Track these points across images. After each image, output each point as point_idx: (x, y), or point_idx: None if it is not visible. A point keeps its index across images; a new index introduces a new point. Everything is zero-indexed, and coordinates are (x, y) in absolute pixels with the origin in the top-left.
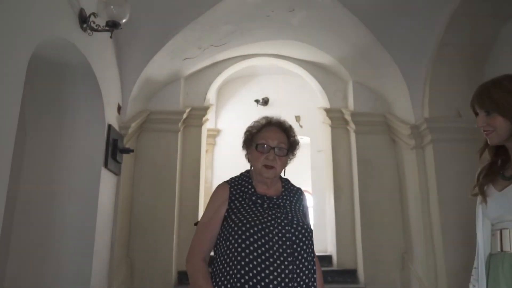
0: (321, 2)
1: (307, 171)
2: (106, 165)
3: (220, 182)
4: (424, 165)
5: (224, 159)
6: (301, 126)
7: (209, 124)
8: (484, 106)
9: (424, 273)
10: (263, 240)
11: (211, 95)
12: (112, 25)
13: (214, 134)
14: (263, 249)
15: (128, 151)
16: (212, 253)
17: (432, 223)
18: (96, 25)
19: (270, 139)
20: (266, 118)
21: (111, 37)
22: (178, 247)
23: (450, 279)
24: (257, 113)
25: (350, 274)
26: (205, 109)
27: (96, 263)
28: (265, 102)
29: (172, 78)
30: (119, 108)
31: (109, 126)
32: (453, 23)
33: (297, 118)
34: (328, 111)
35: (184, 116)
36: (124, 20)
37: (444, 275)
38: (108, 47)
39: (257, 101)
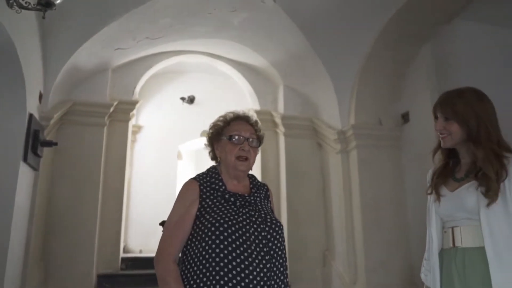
0: (264, 6)
1: None
2: (25, 159)
3: (140, 180)
4: (348, 168)
5: (145, 156)
6: None
7: None
8: (445, 113)
9: (345, 269)
10: (240, 240)
11: (138, 89)
12: (46, 5)
13: (135, 130)
14: (241, 249)
15: (50, 144)
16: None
17: (353, 222)
18: (26, 2)
19: (243, 130)
20: (232, 112)
21: (43, 17)
22: (99, 249)
23: (369, 275)
24: (182, 111)
25: None
26: (133, 104)
27: (9, 267)
28: (191, 100)
29: (100, 68)
30: (40, 97)
31: (31, 116)
32: (380, 39)
33: None
34: (258, 113)
35: (111, 109)
36: (58, 1)
37: (363, 271)
38: (35, 29)
39: (182, 98)
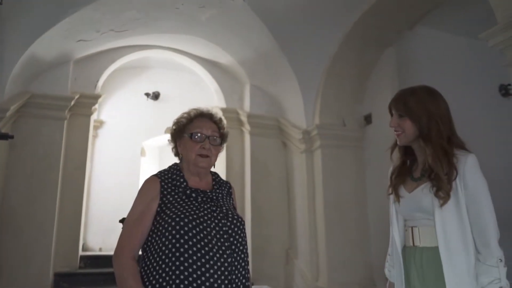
0: (232, 4)
1: None
2: None
3: (101, 176)
4: (312, 168)
5: (107, 152)
6: None
7: None
8: (399, 110)
9: (307, 267)
10: (201, 235)
11: (101, 83)
12: None
13: (97, 125)
14: (202, 243)
15: (6, 136)
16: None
17: (316, 221)
18: None
19: (205, 128)
20: (196, 109)
21: (0, 3)
22: (56, 247)
23: (330, 272)
24: (146, 107)
25: None
26: (95, 98)
27: None
28: (156, 96)
29: (61, 59)
30: None
31: None
32: (346, 42)
33: None
34: (224, 110)
35: (72, 103)
36: None
37: (325, 269)
38: None
39: (147, 94)
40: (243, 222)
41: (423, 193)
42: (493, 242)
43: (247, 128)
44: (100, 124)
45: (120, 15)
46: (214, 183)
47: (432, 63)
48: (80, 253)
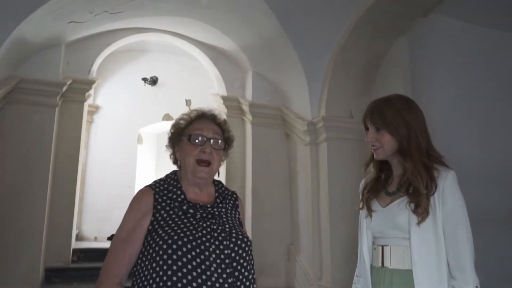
0: None
1: None
2: None
3: (97, 164)
4: (317, 161)
5: (103, 139)
6: None
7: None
8: (375, 123)
9: (310, 264)
10: (198, 260)
11: (96, 68)
12: None
13: (92, 110)
14: (198, 270)
15: None
16: None
17: (320, 216)
18: None
19: (206, 130)
20: (197, 110)
21: None
22: (48, 240)
23: (334, 270)
24: (144, 93)
25: None
26: (89, 83)
27: None
28: (154, 81)
29: (51, 42)
30: None
31: None
32: (356, 30)
33: (188, 102)
34: (225, 99)
35: (64, 89)
36: None
37: (329, 267)
38: None
39: (144, 79)
40: (248, 243)
41: (399, 208)
42: (470, 267)
43: (248, 117)
44: (95, 109)
45: None
46: (217, 194)
47: (447, 54)
48: (73, 246)
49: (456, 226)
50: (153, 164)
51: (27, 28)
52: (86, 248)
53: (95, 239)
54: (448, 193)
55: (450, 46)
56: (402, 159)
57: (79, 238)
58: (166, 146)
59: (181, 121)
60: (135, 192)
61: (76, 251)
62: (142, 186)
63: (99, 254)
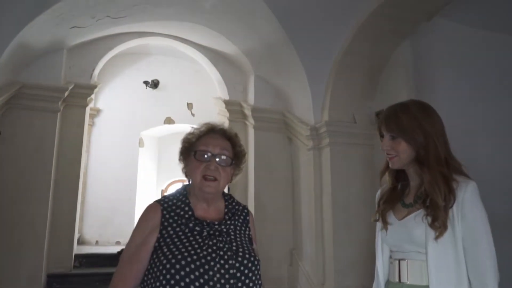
0: None
1: None
2: None
3: (98, 167)
4: (320, 166)
5: (104, 142)
6: (193, 115)
7: None
8: (391, 131)
9: (313, 269)
10: (201, 280)
11: (97, 72)
12: None
13: (93, 114)
14: None
15: None
16: None
17: (323, 221)
18: None
19: (212, 146)
20: (207, 124)
21: None
22: (49, 246)
23: (337, 276)
24: (145, 96)
25: None
26: (91, 88)
27: None
28: (155, 84)
29: (53, 47)
30: None
31: None
32: (359, 34)
33: (189, 106)
34: (227, 103)
35: (66, 94)
36: None
37: (332, 272)
38: None
39: (146, 82)
40: (255, 262)
41: (416, 222)
42: (493, 287)
43: (251, 122)
44: (97, 112)
45: (117, 0)
46: (226, 210)
47: (451, 59)
48: (75, 251)
49: (476, 243)
50: (155, 167)
51: (29, 33)
52: (87, 253)
53: (97, 242)
54: (468, 206)
55: (453, 50)
56: (419, 168)
57: (80, 241)
58: (179, 159)
59: (190, 136)
60: (136, 195)
61: (78, 257)
62: (145, 189)
63: (100, 259)
